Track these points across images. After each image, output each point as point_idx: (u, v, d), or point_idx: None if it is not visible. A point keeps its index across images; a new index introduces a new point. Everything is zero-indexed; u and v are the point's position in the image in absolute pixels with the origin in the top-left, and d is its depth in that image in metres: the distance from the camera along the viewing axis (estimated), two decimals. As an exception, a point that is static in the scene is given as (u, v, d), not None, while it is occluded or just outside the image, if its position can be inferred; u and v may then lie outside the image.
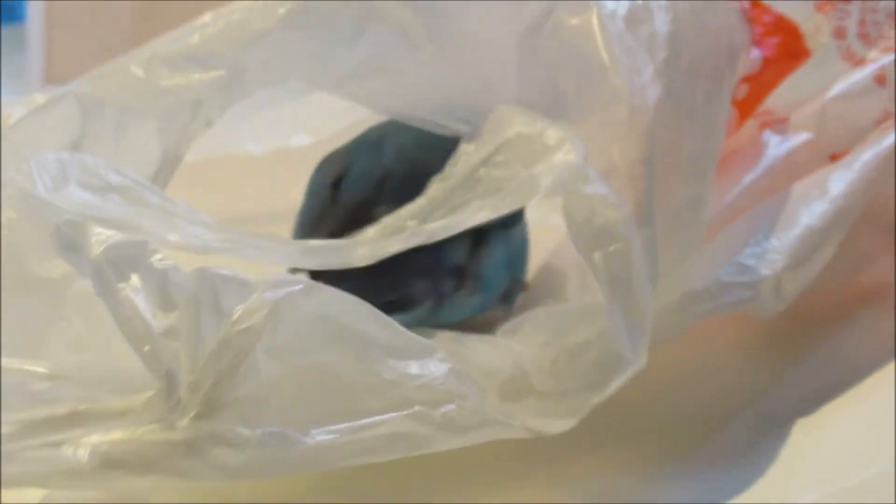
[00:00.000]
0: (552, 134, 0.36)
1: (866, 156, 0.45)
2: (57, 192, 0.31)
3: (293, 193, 0.49)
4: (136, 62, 0.43)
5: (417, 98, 0.45)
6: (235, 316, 0.29)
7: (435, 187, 0.39)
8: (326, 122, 0.59)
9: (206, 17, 0.43)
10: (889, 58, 0.50)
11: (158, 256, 0.29)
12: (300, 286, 0.30)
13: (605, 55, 0.38)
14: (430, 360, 0.32)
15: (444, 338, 0.39)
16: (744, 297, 0.42)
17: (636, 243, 0.35)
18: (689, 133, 0.40)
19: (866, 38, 0.51)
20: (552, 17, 0.39)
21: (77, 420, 0.29)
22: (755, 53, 0.47)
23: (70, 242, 0.30)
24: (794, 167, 0.48)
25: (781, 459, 0.38)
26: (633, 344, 0.35)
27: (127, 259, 0.29)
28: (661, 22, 0.40)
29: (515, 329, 0.39)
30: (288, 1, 0.41)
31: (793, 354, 0.46)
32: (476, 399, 0.33)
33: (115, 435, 0.28)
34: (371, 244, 0.35)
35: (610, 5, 0.39)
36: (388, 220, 0.39)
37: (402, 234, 0.36)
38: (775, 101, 0.50)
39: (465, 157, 0.40)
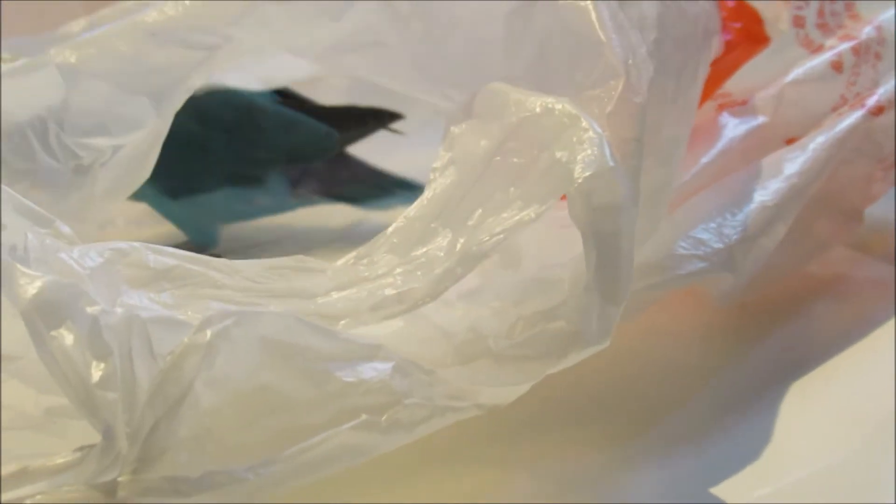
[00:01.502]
0: (565, 111, 0.35)
1: (821, 138, 0.45)
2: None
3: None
4: (121, 36, 0.41)
5: (400, 72, 0.44)
6: (168, 360, 0.28)
7: (444, 180, 0.38)
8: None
9: None
10: (846, 45, 0.50)
11: (88, 300, 0.28)
12: (232, 319, 0.29)
13: (601, 32, 0.38)
14: (374, 362, 0.32)
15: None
16: (697, 268, 0.41)
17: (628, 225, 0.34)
18: (669, 116, 0.40)
19: (825, 28, 0.51)
20: None
21: (25, 478, 0.29)
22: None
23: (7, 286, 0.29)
24: (750, 149, 0.48)
25: (740, 443, 0.39)
26: (602, 324, 0.34)
27: (57, 305, 0.28)
28: (648, 4, 0.40)
29: (473, 294, 0.39)
30: None
31: (746, 339, 0.46)
32: (423, 391, 0.33)
33: (51, 496, 0.28)
34: (442, 277, 0.34)
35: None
36: (410, 222, 0.37)
37: (460, 256, 0.35)
38: (733, 84, 0.51)
39: (464, 142, 0.39)
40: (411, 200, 0.39)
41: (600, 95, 0.38)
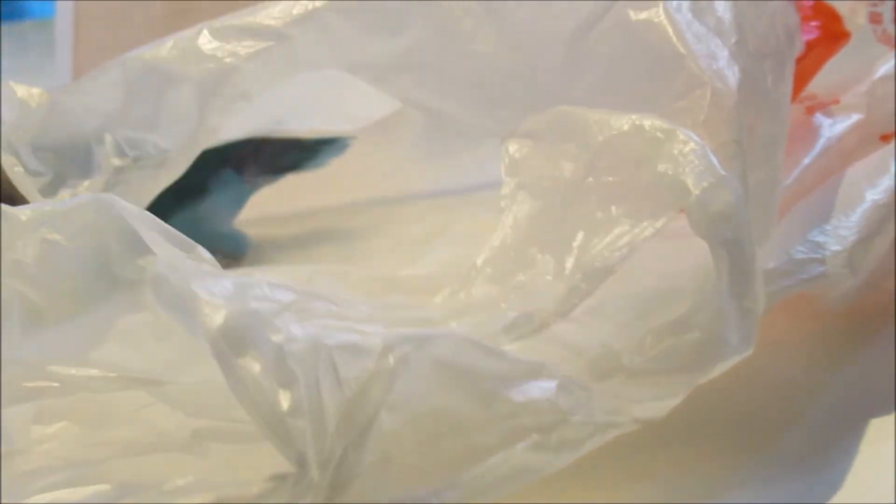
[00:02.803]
0: (658, 126, 0.34)
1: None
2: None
3: (363, 182, 0.48)
4: (189, 32, 0.41)
5: (455, 94, 0.43)
6: (355, 387, 0.28)
7: (521, 207, 0.37)
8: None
9: None
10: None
11: (272, 328, 0.28)
12: (412, 344, 0.29)
13: (679, 44, 0.37)
14: (539, 381, 0.32)
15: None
16: (817, 272, 0.41)
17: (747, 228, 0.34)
18: (763, 115, 0.40)
19: (903, 22, 0.50)
20: (613, 13, 0.37)
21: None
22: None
23: (186, 314, 0.29)
24: (847, 148, 0.48)
25: (852, 461, 0.38)
26: (743, 329, 0.34)
27: (243, 333, 0.28)
28: (724, 9, 0.39)
29: (596, 310, 0.38)
30: None
31: (851, 351, 0.45)
32: (585, 408, 0.33)
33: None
34: (568, 295, 0.34)
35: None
36: (500, 252, 0.37)
37: (584, 273, 0.34)
38: (816, 86, 0.50)
39: (533, 166, 0.38)
40: (338, 152, 0.37)
41: (688, 106, 0.38)
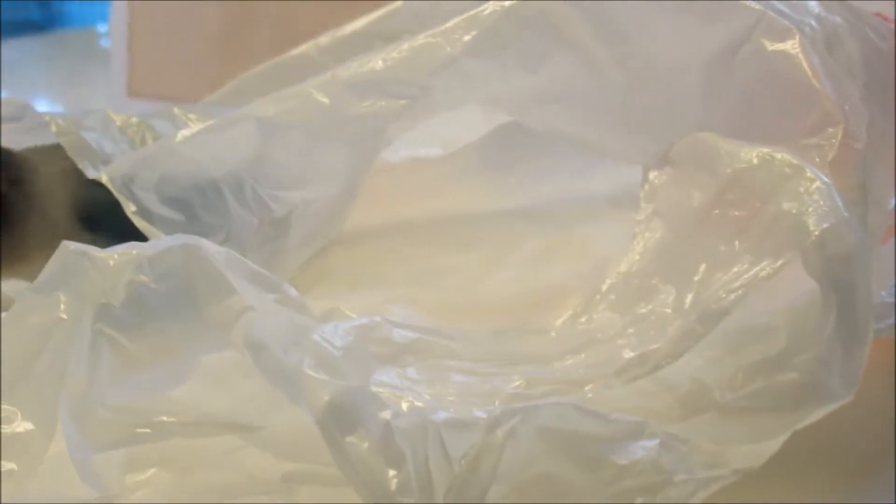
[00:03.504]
0: (786, 161, 0.33)
1: None
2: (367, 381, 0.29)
3: (427, 202, 0.47)
4: (320, 88, 0.41)
5: (595, 123, 0.42)
6: (464, 464, 0.28)
7: (652, 234, 0.36)
8: (459, 134, 0.58)
9: (393, 45, 0.40)
10: None
11: (379, 404, 0.28)
12: (518, 417, 0.28)
13: (814, 80, 0.37)
14: (641, 440, 0.31)
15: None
16: None
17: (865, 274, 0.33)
18: (884, 158, 0.37)
19: None
20: (751, 42, 0.36)
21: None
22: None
23: (293, 391, 0.28)
24: None
25: None
26: (848, 375, 0.33)
27: (350, 410, 0.28)
28: (853, 47, 0.39)
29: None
30: (476, 25, 0.38)
31: None
32: (685, 464, 0.32)
33: None
34: (682, 337, 0.33)
35: (808, 30, 0.35)
36: (625, 279, 0.36)
37: (700, 314, 0.33)
38: None
39: (669, 194, 0.37)
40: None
41: (819, 144, 0.37)
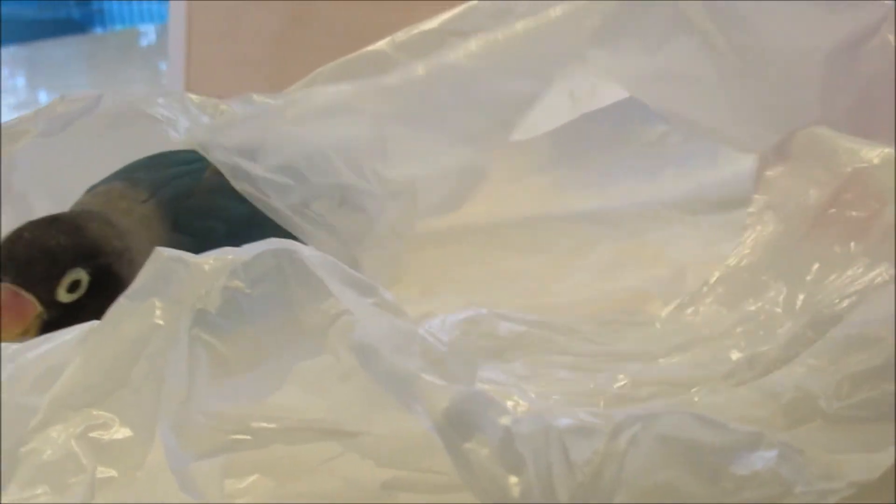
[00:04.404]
0: None
1: None
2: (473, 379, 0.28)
3: (492, 203, 0.46)
4: (440, 78, 0.39)
5: (712, 108, 0.41)
6: (587, 471, 0.26)
7: (764, 228, 0.35)
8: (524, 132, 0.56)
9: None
10: None
11: (497, 409, 0.26)
12: (640, 424, 0.27)
13: None
14: (759, 451, 0.30)
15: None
16: None
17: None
18: None
19: None
20: (878, 36, 0.34)
21: None
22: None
23: (407, 396, 0.27)
24: None
25: None
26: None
27: (468, 416, 0.26)
28: None
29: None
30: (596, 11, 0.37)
31: None
32: (804, 475, 0.31)
33: None
34: (792, 341, 0.32)
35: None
36: (735, 272, 0.35)
37: (811, 319, 0.32)
38: None
39: (783, 187, 0.36)
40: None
41: None
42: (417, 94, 0.42)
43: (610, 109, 0.52)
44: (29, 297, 0.41)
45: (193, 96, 0.45)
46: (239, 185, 0.41)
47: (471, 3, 0.56)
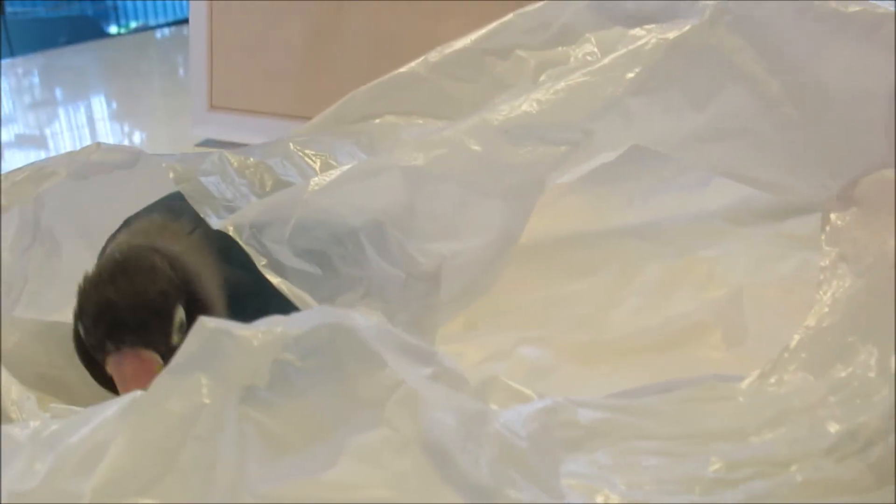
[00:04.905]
0: None
1: None
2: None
3: (535, 220, 0.44)
4: (470, 134, 0.37)
5: (770, 161, 0.38)
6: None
7: (842, 283, 0.33)
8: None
9: (547, 84, 0.36)
10: None
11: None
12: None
13: None
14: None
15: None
16: None
17: None
18: None
19: None
20: None
21: None
22: None
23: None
24: None
25: None
26: None
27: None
28: None
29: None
30: (638, 61, 0.34)
31: None
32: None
33: None
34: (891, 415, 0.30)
35: None
36: (818, 334, 0.32)
37: None
38: None
39: (856, 237, 0.33)
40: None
41: None
42: (451, 152, 0.39)
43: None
44: (151, 355, 0.39)
45: (232, 157, 0.43)
46: (267, 275, 0.39)
47: (504, 19, 0.53)
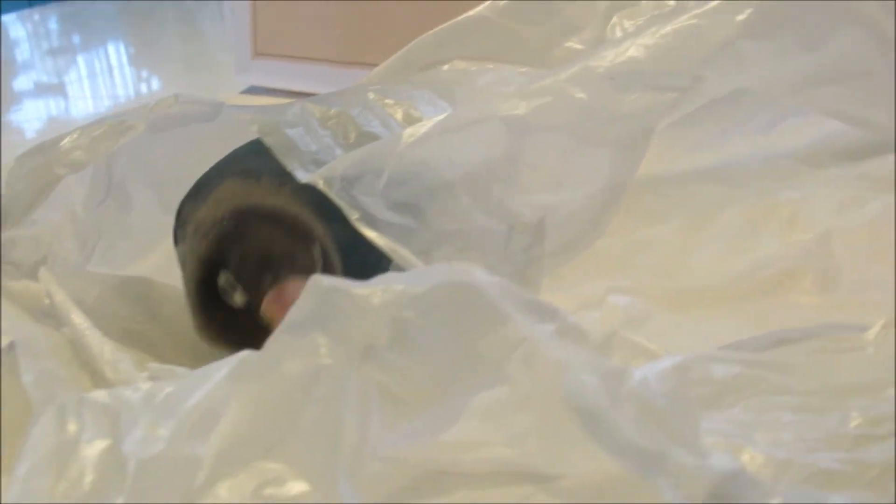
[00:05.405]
0: None
1: None
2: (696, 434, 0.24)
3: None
4: (574, 82, 0.35)
5: (884, 104, 0.36)
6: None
7: None
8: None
9: (652, 29, 0.34)
10: None
11: (763, 491, 0.23)
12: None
13: None
14: None
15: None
16: None
17: None
18: None
19: None
20: None
21: None
22: None
23: (652, 472, 0.23)
24: None
25: None
26: None
27: (732, 499, 0.23)
28: None
29: None
30: (748, 3, 0.32)
31: None
32: None
33: None
34: None
35: None
36: None
37: None
38: None
39: None
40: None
41: None
42: (554, 101, 0.37)
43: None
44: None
45: (315, 108, 0.41)
46: (364, 231, 0.37)
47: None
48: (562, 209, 0.39)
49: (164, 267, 0.52)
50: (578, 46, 0.52)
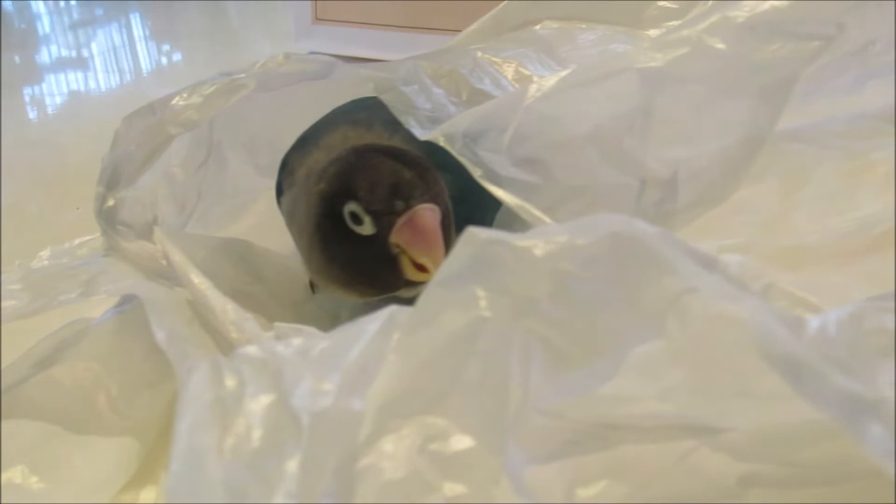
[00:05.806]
0: None
1: None
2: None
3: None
4: (711, 32, 0.33)
5: None
6: None
7: None
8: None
9: None
10: None
11: None
12: None
13: None
14: None
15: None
16: None
17: None
18: None
19: None
20: None
21: None
22: None
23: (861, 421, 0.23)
24: None
25: None
26: None
27: None
28: None
29: None
30: None
31: None
32: None
33: None
34: None
35: None
36: None
37: None
38: None
39: None
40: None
41: None
42: (692, 52, 0.36)
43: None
44: (437, 208, 0.38)
45: (426, 65, 0.40)
46: (489, 188, 0.36)
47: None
48: (695, 163, 0.38)
49: (257, 229, 0.51)
50: (673, 6, 0.51)
